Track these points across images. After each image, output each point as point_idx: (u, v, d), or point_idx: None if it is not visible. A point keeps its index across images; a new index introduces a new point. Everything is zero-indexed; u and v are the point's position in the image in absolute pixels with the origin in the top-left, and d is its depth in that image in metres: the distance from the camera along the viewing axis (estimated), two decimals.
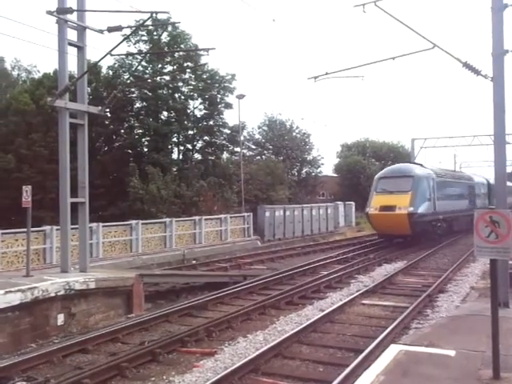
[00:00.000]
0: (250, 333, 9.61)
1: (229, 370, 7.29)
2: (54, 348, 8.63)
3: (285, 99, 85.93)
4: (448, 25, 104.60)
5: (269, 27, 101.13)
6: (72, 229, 12.69)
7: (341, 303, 11.58)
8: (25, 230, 13.36)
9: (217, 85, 35.38)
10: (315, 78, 14.05)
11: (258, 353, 7.99)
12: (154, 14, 11.73)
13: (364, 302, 12.16)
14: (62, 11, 11.80)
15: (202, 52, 30.48)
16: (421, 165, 27.12)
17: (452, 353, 5.99)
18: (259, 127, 51.45)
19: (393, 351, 6.05)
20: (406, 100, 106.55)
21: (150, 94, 33.60)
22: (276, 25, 79.44)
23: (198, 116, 36.26)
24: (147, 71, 33.71)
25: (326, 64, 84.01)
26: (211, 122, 36.20)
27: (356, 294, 12.55)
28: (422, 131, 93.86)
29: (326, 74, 13.91)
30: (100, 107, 13.46)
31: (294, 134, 50.79)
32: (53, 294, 10.09)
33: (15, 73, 42.57)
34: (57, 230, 15.95)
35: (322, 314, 10.63)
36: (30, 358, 8.10)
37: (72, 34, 12.64)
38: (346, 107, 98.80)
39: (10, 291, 9.28)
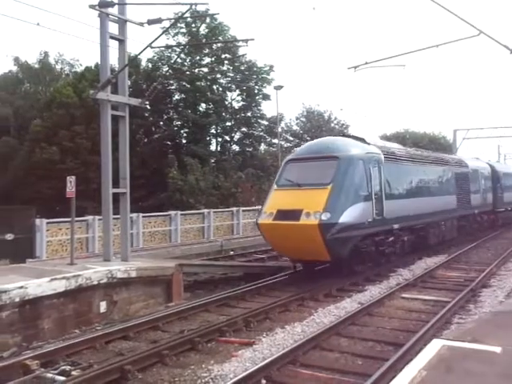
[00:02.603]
0: (287, 324, 9.60)
1: (267, 360, 7.30)
2: (97, 334, 8.86)
3: (323, 90, 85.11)
4: (495, 11, 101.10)
5: (308, 16, 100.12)
6: (113, 219, 12.96)
7: (380, 296, 11.43)
8: (69, 219, 13.70)
9: (254, 76, 35.36)
10: (355, 67, 13.89)
11: (296, 344, 7.97)
12: (194, 6, 11.80)
13: (404, 295, 11.96)
14: (104, 5, 11.99)
15: (240, 43, 30.46)
16: (361, 139, 15.04)
17: (498, 349, 5.80)
18: (297, 118, 51.14)
19: (435, 346, 5.91)
20: (449, 89, 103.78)
21: (189, 86, 33.89)
22: (316, 13, 78.67)
23: (236, 107, 36.37)
24: (186, 63, 33.99)
25: (366, 53, 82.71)
26: (249, 114, 36.24)
27: (396, 288, 12.36)
28: (464, 122, 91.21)
29: (366, 63, 13.74)
30: (140, 99, 13.66)
31: (332, 125, 50.26)
32: (96, 282, 10.35)
33: (59, 67, 43.66)
34: (99, 219, 16.31)
35: (361, 306, 10.52)
36: (74, 344, 8.34)
37: (113, 28, 12.85)
38: (386, 97, 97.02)
39: (56, 278, 9.57)
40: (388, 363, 6.91)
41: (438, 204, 18.31)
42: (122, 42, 13.01)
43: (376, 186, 13.86)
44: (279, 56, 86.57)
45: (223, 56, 34.05)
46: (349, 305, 11.03)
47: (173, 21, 20.39)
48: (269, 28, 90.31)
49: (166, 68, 33.44)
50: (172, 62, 32.16)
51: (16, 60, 41.66)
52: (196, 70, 33.61)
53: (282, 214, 12.78)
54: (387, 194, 14.43)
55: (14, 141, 33.84)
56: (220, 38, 32.97)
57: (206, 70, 34.31)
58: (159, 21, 13.19)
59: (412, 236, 16.40)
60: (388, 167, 14.73)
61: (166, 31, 18.62)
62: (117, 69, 13.86)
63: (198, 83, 33.83)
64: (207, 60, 34.55)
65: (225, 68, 35.26)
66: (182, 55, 32.76)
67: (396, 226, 14.75)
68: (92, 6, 11.86)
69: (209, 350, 8.35)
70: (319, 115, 50.57)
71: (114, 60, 14.30)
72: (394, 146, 17.48)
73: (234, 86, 35.41)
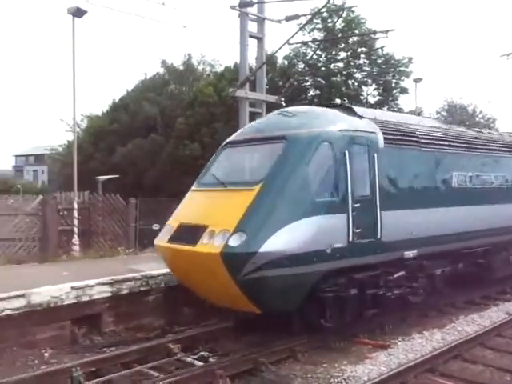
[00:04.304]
0: (426, 330, 9.12)
1: (404, 366, 6.99)
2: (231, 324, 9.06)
3: (467, 81, 79.56)
4: None
5: (451, 3, 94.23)
6: None
7: None
8: None
9: (392, 69, 34.12)
10: (507, 55, 12.67)
11: (436, 352, 7.53)
12: (331, 0, 11.64)
13: None
14: (244, 4, 12.35)
15: (378, 35, 29.56)
16: (348, 110, 9.56)
17: None
18: (437, 113, 48.29)
19: None
20: None
21: (324, 81, 33.72)
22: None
23: (372, 102, 35.40)
24: (321, 59, 33.85)
25: None
26: (385, 109, 35.10)
27: None
28: None
29: None
30: (277, 96, 13.88)
31: (477, 119, 46.75)
32: None
33: (200, 67, 46.00)
34: None
35: (510, 317, 9.63)
36: (211, 330, 8.70)
37: (252, 27, 13.18)
38: None
39: None
40: None
41: (504, 216, 11.72)
42: (260, 40, 13.31)
43: (361, 187, 8.50)
44: (418, 47, 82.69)
45: (359, 50, 33.32)
46: (495, 314, 10.20)
47: (309, 16, 20.39)
48: (407, 18, 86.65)
49: (301, 64, 33.64)
50: (307, 58, 32.25)
51: (163, 63, 44.75)
52: (331, 66, 33.33)
53: (182, 232, 8.24)
54: (389, 199, 8.89)
55: (161, 138, 36.42)
56: (356, 31, 32.30)
57: (341, 64, 33.88)
58: (296, 17, 13.31)
59: (457, 266, 10.66)
60: (393, 155, 9.20)
61: (302, 27, 18.66)
62: (254, 67, 14.22)
63: (334, 79, 33.49)
64: (343, 55, 34.09)
65: (361, 62, 34.49)
66: (318, 51, 32.69)
67: (410, 254, 9.23)
68: (233, 7, 12.29)
69: (341, 350, 8.20)
70: (462, 109, 47.34)
71: (251, 59, 14.72)
72: (413, 121, 10.74)
73: (369, 81, 34.50)
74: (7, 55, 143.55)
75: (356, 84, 34.62)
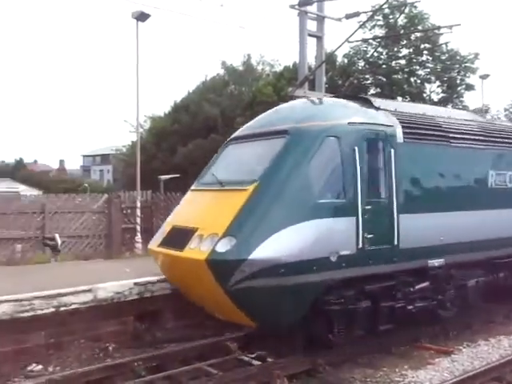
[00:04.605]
0: (492, 336, 8.75)
1: (469, 373, 6.73)
2: None
3: None
4: None
5: None
6: None
7: None
8: None
9: (457, 65, 32.95)
10: None
11: (503, 360, 7.21)
12: None
13: None
14: (303, 3, 12.29)
15: (442, 30, 28.64)
16: (363, 101, 8.73)
17: None
18: (505, 110, 46.23)
19: None
20: None
21: (385, 79, 33.04)
22: None
23: (435, 100, 34.33)
24: (382, 56, 33.18)
25: None
26: (449, 106, 33.93)
27: None
28: None
29: None
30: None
31: None
32: None
33: (260, 68, 46.26)
34: None
35: None
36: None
37: (311, 25, 13.09)
38: None
39: None
40: None
41: None
42: (319, 38, 13.21)
43: (374, 187, 7.71)
44: (486, 42, 79.35)
45: (422, 46, 32.38)
46: None
47: (370, 13, 20.03)
48: (474, 12, 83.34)
49: (361, 62, 33.13)
50: (368, 56, 31.72)
51: (223, 64, 45.33)
52: (393, 63, 32.60)
53: (173, 235, 7.73)
54: (410, 201, 8.07)
55: (221, 138, 36.73)
56: (419, 27, 31.42)
57: (403, 62, 33.07)
58: (357, 14, 13.09)
59: (496, 276, 9.53)
60: (415, 151, 8.31)
61: (363, 25, 18.40)
62: (313, 66, 14.12)
63: (395, 76, 32.75)
64: (405, 51, 33.25)
65: (424, 59, 33.53)
66: (379, 48, 32.06)
67: (436, 262, 8.28)
68: (292, 6, 12.26)
69: (402, 354, 8.00)
70: None
71: (310, 58, 14.64)
72: (443, 114, 9.63)
73: (433, 78, 33.47)
74: (77, 61, 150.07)
75: (418, 81, 33.69)
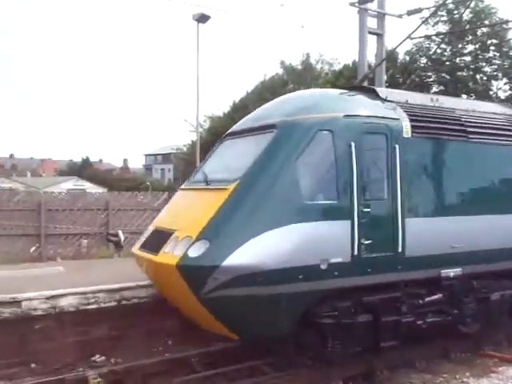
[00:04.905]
0: None
1: None
2: None
3: None
4: None
5: None
6: None
7: None
8: None
9: None
10: None
11: None
12: None
13: None
14: (363, 1, 12.09)
15: (511, 25, 27.45)
16: (369, 91, 7.96)
17: None
18: None
19: None
20: None
21: (449, 77, 31.99)
22: None
23: (502, 97, 32.88)
24: (445, 53, 32.12)
25: None
26: None
27: None
28: None
29: None
30: None
31: None
32: None
33: (319, 66, 46.00)
34: None
35: None
36: None
37: (371, 22, 12.87)
38: None
39: None
40: None
41: None
42: (380, 36, 12.96)
43: (373, 187, 7.00)
44: None
45: (489, 42, 31.06)
46: None
47: (433, 9, 19.46)
48: None
49: (424, 60, 32.19)
50: (431, 52, 30.77)
51: (282, 63, 45.42)
52: (457, 60, 31.48)
53: (153, 238, 7.29)
54: (418, 203, 7.32)
55: None
56: (486, 21, 30.16)
57: (468, 58, 31.85)
58: (419, 10, 12.77)
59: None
60: (425, 147, 7.56)
61: (425, 21, 17.85)
62: (373, 64, 13.88)
63: (459, 73, 31.60)
64: (470, 48, 32.01)
65: (490, 55, 32.16)
66: (442, 45, 31.04)
67: (451, 272, 7.49)
68: (352, 4, 12.10)
69: (463, 361, 7.76)
70: None
71: (370, 56, 14.40)
72: (464, 106, 8.66)
73: (500, 75, 32.05)
74: (142, 63, 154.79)
75: (485, 78, 32.36)
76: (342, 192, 6.64)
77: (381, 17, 12.81)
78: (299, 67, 44.77)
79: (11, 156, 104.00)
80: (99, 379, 6.55)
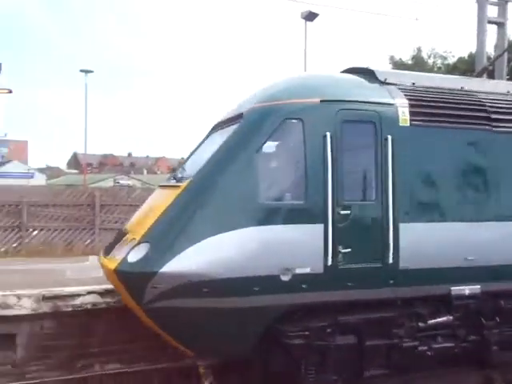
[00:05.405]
0: None
1: None
2: None
3: None
4: None
5: None
6: None
7: None
8: None
9: None
10: None
11: None
12: None
13: None
14: None
15: None
16: (366, 73, 6.71)
17: None
18: None
19: None
20: None
21: None
22: None
23: None
24: None
25: None
26: None
27: None
28: None
29: None
30: None
31: None
32: None
33: (431, 60, 44.09)
34: None
35: None
36: None
37: (491, 11, 12.11)
38: None
39: None
40: None
41: None
42: (501, 25, 12.17)
43: (355, 186, 6.05)
44: None
45: None
46: None
47: None
48: None
49: None
50: None
51: (391, 58, 44.05)
52: None
53: (112, 241, 6.57)
54: (419, 205, 6.15)
55: None
56: None
57: None
58: None
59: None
60: (431, 137, 6.27)
61: None
62: (493, 56, 13.01)
63: None
64: None
65: None
66: None
67: (466, 290, 6.25)
68: None
69: None
70: None
71: (489, 47, 13.55)
72: (486, 89, 7.15)
73: None
74: (247, 62, 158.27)
75: None
76: (311, 192, 5.66)
77: (502, 4, 12.08)
78: (409, 62, 43.16)
79: (129, 155, 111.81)
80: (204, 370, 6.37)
